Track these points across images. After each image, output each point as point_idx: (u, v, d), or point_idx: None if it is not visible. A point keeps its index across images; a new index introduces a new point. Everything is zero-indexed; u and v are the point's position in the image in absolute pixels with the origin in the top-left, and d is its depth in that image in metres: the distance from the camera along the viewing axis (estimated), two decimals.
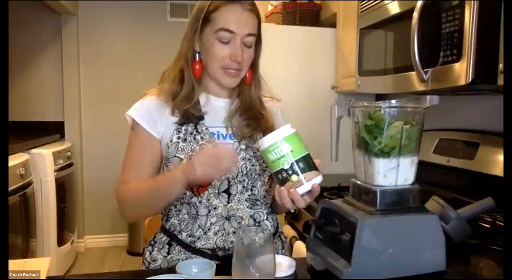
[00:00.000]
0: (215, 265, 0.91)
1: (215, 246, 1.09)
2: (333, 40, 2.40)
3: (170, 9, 3.79)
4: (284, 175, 0.91)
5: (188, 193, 1.09)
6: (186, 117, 1.11)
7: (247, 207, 1.12)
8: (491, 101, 1.60)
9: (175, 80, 1.13)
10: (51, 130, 3.53)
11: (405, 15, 1.36)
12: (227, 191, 1.10)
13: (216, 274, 0.90)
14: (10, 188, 2.23)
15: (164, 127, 1.11)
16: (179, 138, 1.09)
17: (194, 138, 1.09)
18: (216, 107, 1.16)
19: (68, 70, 3.64)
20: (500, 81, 1.09)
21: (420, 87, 1.30)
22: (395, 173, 0.87)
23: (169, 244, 1.13)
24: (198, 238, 1.09)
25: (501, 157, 1.43)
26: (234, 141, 1.12)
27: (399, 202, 0.87)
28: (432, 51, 1.23)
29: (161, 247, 1.14)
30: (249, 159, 1.12)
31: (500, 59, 1.09)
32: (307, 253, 0.98)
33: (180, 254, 1.10)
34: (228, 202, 1.10)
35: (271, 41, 2.30)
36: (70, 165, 3.29)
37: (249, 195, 1.12)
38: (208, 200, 1.09)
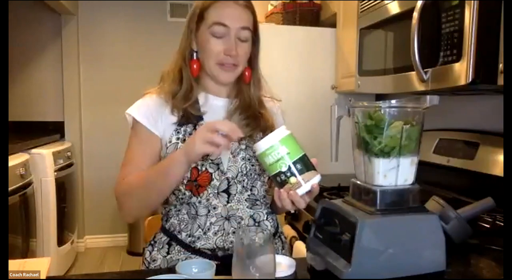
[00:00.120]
0: (215, 265, 0.90)
1: (215, 246, 1.09)
2: (333, 40, 2.40)
3: (170, 9, 3.78)
4: (283, 177, 0.91)
5: (187, 193, 1.09)
6: (185, 117, 1.11)
7: (247, 207, 1.12)
8: (491, 101, 1.60)
9: (175, 80, 1.13)
10: (51, 130, 3.52)
11: (405, 15, 1.36)
12: (226, 191, 1.10)
13: (216, 274, 0.90)
14: (10, 188, 2.22)
15: (164, 126, 1.11)
16: (178, 139, 1.09)
17: None
18: (215, 107, 1.16)
19: (68, 70, 3.64)
20: (500, 81, 1.09)
21: (420, 87, 1.30)
22: (395, 173, 0.87)
23: (169, 244, 1.12)
24: (198, 238, 1.09)
25: (501, 157, 1.43)
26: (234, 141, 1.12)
27: (399, 202, 0.87)
28: (432, 51, 1.23)
29: (161, 247, 1.14)
30: (248, 159, 1.12)
31: (500, 59, 1.09)
32: (307, 253, 0.97)
33: (180, 254, 1.10)
34: (227, 202, 1.10)
35: (271, 41, 2.32)
36: (70, 165, 3.29)
37: (248, 195, 1.12)
38: (208, 200, 1.09)
